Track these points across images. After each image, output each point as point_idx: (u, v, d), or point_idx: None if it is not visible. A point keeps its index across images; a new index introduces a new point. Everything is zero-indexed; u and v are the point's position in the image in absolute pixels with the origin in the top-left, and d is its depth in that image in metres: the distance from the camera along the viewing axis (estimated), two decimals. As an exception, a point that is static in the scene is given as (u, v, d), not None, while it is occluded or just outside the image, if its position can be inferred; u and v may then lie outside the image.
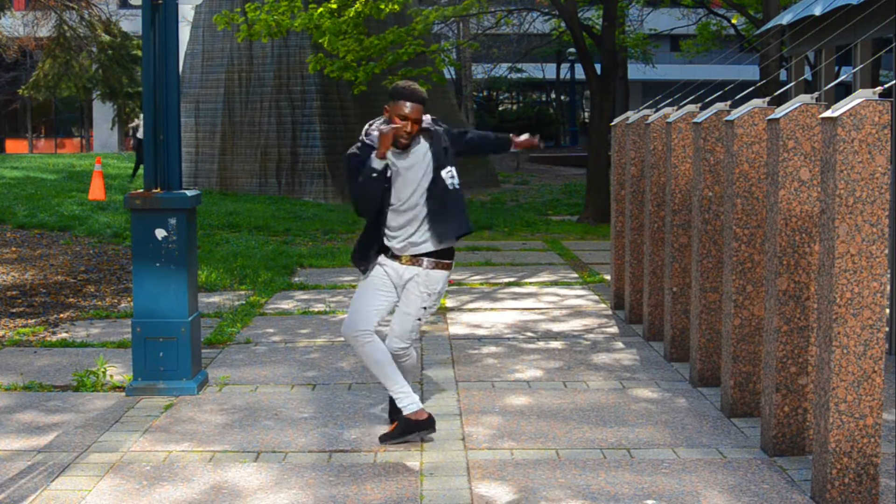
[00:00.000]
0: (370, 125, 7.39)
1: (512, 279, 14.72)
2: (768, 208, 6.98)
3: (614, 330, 11.23)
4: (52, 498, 6.28)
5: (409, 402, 7.23)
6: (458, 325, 11.42)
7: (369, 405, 8.27)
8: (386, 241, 7.32)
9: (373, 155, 7.09)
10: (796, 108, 6.78)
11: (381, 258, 7.38)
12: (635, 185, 11.24)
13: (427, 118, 7.33)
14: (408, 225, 7.23)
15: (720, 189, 8.48)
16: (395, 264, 7.33)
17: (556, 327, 11.35)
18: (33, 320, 11.71)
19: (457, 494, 6.33)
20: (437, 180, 7.21)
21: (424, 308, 7.34)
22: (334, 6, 20.28)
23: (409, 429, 7.24)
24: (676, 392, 8.66)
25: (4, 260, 16.22)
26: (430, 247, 7.26)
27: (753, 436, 7.41)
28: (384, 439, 7.27)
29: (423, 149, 7.24)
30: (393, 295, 7.38)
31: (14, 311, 12.27)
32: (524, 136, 7.83)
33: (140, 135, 29.00)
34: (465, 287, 14.00)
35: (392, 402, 7.54)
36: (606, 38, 23.44)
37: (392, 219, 7.24)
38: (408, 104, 7.13)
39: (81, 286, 14.02)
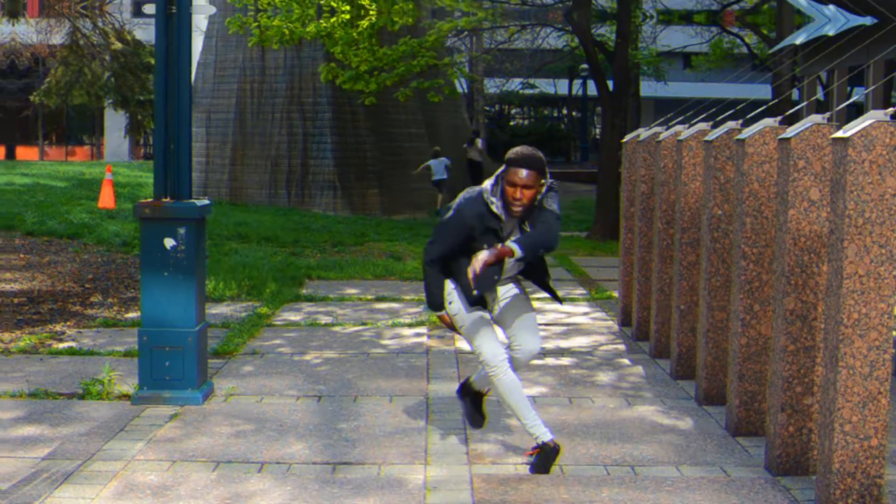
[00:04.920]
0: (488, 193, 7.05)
1: (520, 294, 14.69)
2: (777, 227, 6.98)
3: (621, 347, 11.22)
4: (55, 505, 6.29)
5: (543, 431, 7.08)
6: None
7: (375, 418, 8.26)
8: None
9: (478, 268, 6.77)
10: (808, 128, 6.77)
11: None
12: (645, 203, 11.23)
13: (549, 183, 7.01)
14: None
15: (730, 207, 8.47)
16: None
17: (564, 343, 11.34)
18: (40, 328, 11.72)
19: (460, 509, 6.33)
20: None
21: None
22: (347, 17, 20.31)
23: (551, 455, 7.06)
24: (682, 410, 8.65)
25: (13, 267, 16.23)
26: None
27: (758, 455, 7.39)
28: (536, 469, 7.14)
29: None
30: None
31: (21, 318, 12.28)
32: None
33: None
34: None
35: (465, 387, 7.72)
36: (619, 55, 23.45)
37: None
38: (523, 171, 6.81)
39: (89, 294, 14.03)
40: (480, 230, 6.92)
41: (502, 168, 6.91)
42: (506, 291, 7.30)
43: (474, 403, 7.70)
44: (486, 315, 7.24)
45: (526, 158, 6.81)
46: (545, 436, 7.03)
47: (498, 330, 7.27)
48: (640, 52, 35.30)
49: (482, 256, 6.66)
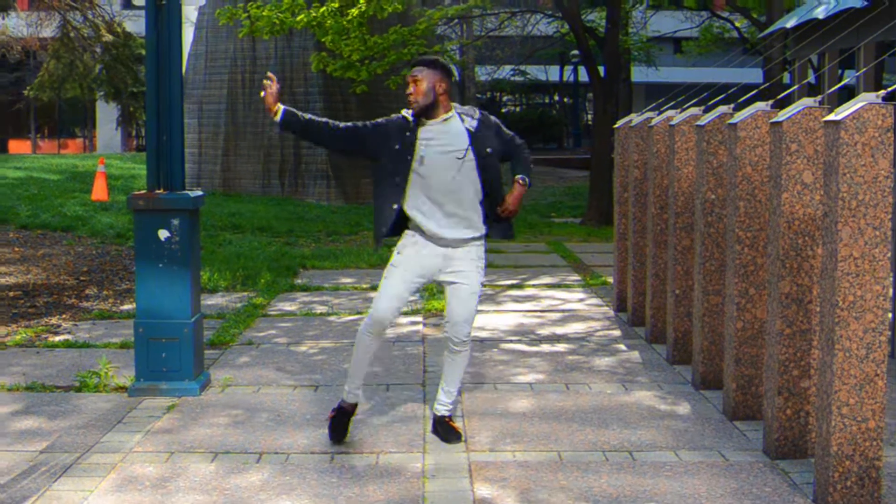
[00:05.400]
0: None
1: (514, 281, 14.72)
2: (771, 211, 6.98)
3: (617, 333, 11.23)
4: (54, 498, 6.29)
5: (351, 396, 7.49)
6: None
7: (371, 406, 8.27)
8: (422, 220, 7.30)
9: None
10: (799, 112, 6.77)
11: (415, 235, 7.35)
12: (638, 188, 11.24)
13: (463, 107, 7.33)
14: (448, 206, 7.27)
15: (723, 192, 8.48)
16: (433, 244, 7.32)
17: (559, 330, 11.35)
18: (36, 321, 11.71)
19: (459, 496, 6.33)
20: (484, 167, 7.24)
21: (481, 283, 7.44)
22: (336, 5, 20.27)
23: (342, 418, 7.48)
24: (679, 395, 8.66)
25: (7, 260, 16.22)
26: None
27: (755, 439, 7.41)
28: None
29: (457, 127, 7.25)
30: (423, 279, 7.37)
31: (17, 311, 12.27)
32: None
33: None
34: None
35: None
36: (610, 41, 23.43)
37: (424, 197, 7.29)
38: (414, 69, 7.19)
39: (84, 287, 14.02)
40: (395, 139, 7.22)
41: None
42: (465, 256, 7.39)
43: None
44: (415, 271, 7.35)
45: (415, 59, 7.38)
46: (349, 399, 7.44)
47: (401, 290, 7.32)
48: (631, 37, 35.30)
49: (517, 194, 7.27)
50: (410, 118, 7.24)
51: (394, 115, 7.33)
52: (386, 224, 7.25)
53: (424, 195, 7.20)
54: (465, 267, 7.29)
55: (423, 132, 7.19)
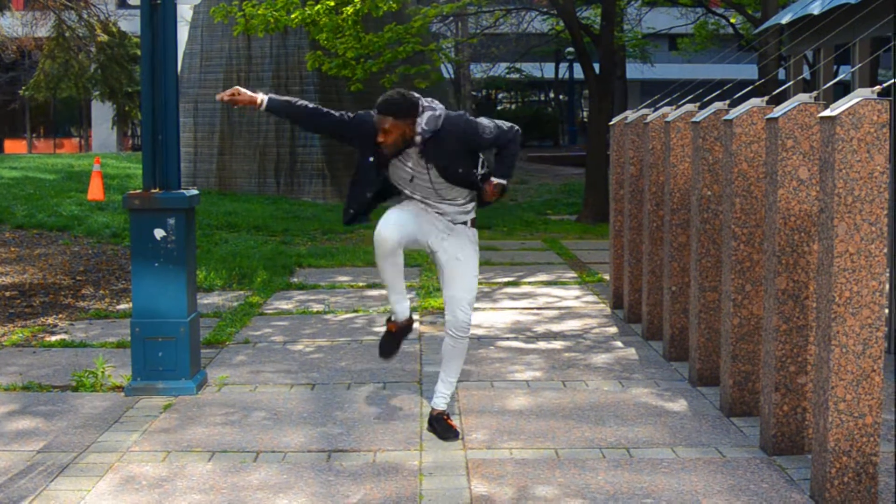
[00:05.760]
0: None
1: (511, 279, 14.71)
2: (767, 207, 6.98)
3: (613, 329, 11.23)
4: (51, 498, 6.28)
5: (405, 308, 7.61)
6: (457, 324, 11.39)
7: (369, 405, 8.27)
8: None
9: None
10: (795, 108, 6.78)
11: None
12: (634, 185, 11.24)
13: (423, 120, 7.18)
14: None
15: (719, 188, 8.48)
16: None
17: (555, 327, 11.35)
18: (32, 320, 11.70)
19: (456, 494, 6.33)
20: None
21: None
22: (331, 3, 20.26)
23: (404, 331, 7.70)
24: (675, 391, 8.66)
25: (3, 260, 16.20)
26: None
27: (752, 435, 7.41)
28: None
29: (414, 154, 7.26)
30: (422, 233, 7.43)
31: (13, 311, 12.26)
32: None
33: None
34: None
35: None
36: (605, 38, 23.44)
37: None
38: (380, 116, 7.10)
39: (80, 286, 14.01)
40: (369, 149, 7.27)
41: None
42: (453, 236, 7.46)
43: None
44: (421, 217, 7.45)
45: (382, 104, 7.12)
46: (400, 317, 7.63)
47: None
48: (626, 34, 35.28)
49: (489, 189, 7.25)
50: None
51: (369, 118, 7.30)
52: (357, 204, 7.45)
53: (409, 191, 7.35)
54: (465, 247, 7.40)
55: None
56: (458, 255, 7.36)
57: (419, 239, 7.38)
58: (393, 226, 7.17)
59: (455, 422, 7.70)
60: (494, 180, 7.26)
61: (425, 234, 7.36)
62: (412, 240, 7.34)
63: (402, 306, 7.55)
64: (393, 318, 7.66)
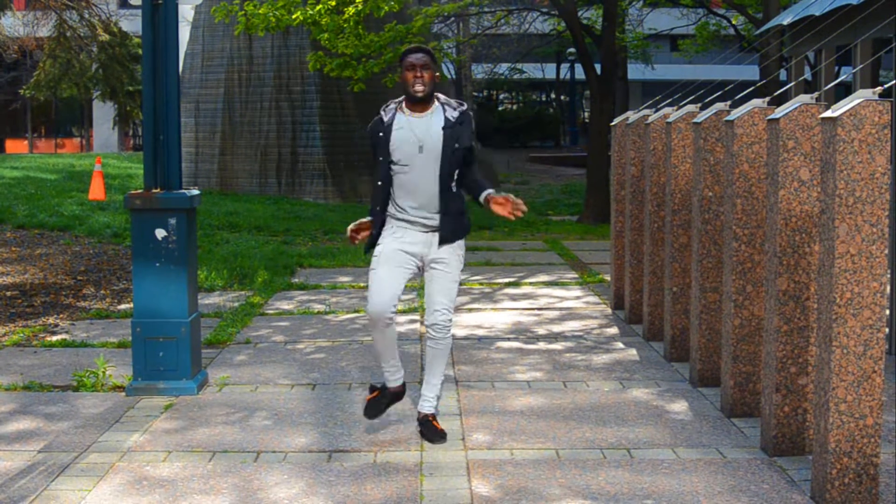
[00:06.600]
0: (386, 106, 7.45)
1: (512, 279, 14.71)
2: (768, 208, 6.98)
3: (614, 330, 11.23)
4: (51, 498, 6.29)
5: (394, 379, 7.57)
6: (458, 325, 11.40)
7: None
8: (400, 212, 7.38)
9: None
10: (796, 109, 6.78)
11: (393, 226, 7.39)
12: (635, 186, 11.24)
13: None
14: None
15: (720, 189, 8.48)
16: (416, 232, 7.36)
17: (556, 328, 11.35)
18: (33, 320, 11.71)
19: (456, 494, 6.33)
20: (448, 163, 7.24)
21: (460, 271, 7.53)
22: (333, 3, 20.26)
23: (384, 401, 7.61)
24: (676, 392, 8.66)
25: (4, 260, 16.21)
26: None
27: (753, 436, 7.41)
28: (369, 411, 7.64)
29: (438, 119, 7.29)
30: (411, 266, 7.39)
31: (14, 311, 12.27)
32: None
33: None
34: (464, 287, 13.99)
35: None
36: (606, 38, 23.43)
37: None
38: (418, 54, 7.22)
39: (81, 286, 14.02)
40: (377, 141, 7.31)
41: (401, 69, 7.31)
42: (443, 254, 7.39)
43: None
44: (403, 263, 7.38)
45: (417, 47, 7.31)
46: (391, 384, 7.56)
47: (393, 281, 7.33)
48: (627, 35, 35.27)
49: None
50: (387, 114, 7.35)
51: (372, 124, 7.38)
52: (380, 202, 7.40)
53: (404, 190, 7.29)
54: (447, 256, 7.31)
55: (396, 124, 7.27)
56: (439, 263, 7.32)
57: (412, 274, 7.43)
58: (387, 296, 7.24)
59: (456, 422, 7.69)
60: (495, 193, 7.24)
61: (413, 263, 7.37)
62: (406, 282, 7.40)
63: (394, 377, 7.58)
64: (380, 385, 7.65)
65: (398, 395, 7.61)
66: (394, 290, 7.21)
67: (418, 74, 7.16)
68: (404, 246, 7.27)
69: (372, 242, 7.37)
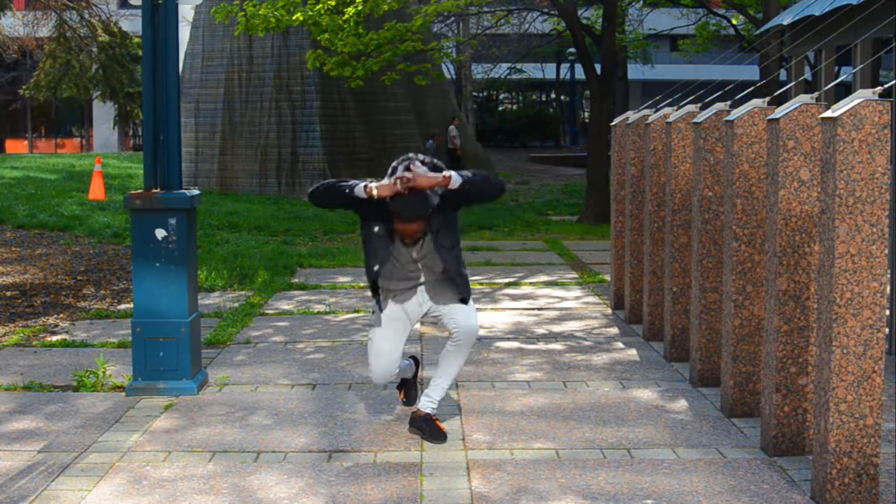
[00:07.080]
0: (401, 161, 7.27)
1: (512, 279, 14.71)
2: (768, 208, 6.98)
3: (614, 330, 11.23)
4: (51, 498, 6.29)
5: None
6: (458, 325, 11.38)
7: (369, 405, 8.27)
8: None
9: (364, 184, 7.20)
10: (796, 109, 6.78)
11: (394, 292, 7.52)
12: (635, 186, 11.24)
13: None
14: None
15: (720, 189, 8.48)
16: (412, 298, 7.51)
17: (556, 328, 11.35)
18: (33, 320, 11.71)
19: (456, 494, 6.33)
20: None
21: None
22: (332, 3, 20.27)
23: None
24: (676, 392, 8.66)
25: (4, 260, 16.21)
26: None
27: (753, 436, 7.41)
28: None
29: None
30: (412, 322, 7.59)
31: (14, 311, 12.27)
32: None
33: None
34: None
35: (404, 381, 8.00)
36: (606, 38, 23.43)
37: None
38: (411, 223, 7.11)
39: (81, 286, 14.02)
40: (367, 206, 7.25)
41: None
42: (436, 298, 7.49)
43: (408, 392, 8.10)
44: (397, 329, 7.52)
45: (412, 215, 7.07)
46: (407, 372, 7.91)
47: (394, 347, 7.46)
48: (627, 35, 35.28)
49: (419, 171, 7.01)
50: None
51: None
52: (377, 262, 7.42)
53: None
54: (454, 297, 7.41)
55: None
56: (449, 303, 7.38)
57: (412, 326, 7.59)
58: (386, 362, 7.41)
59: (456, 421, 7.70)
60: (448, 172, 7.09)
61: (414, 320, 7.55)
62: (405, 337, 7.55)
63: (404, 369, 7.86)
64: (400, 380, 7.97)
65: (415, 369, 8.03)
66: (396, 349, 7.51)
67: (409, 234, 7.19)
68: (401, 315, 7.60)
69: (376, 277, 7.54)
